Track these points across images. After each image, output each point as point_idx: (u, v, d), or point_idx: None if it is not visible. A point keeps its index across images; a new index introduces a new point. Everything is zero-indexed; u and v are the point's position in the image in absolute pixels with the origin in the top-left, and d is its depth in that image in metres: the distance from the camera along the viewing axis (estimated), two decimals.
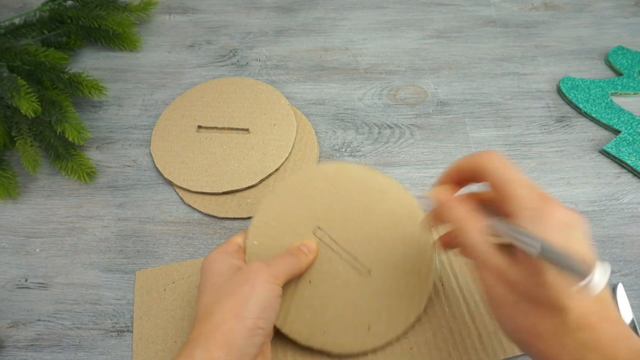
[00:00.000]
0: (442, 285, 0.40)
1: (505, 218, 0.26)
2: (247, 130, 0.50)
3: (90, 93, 0.51)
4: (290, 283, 0.36)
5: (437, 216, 0.32)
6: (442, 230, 0.36)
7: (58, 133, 0.47)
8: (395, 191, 0.40)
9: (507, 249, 0.26)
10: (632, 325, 0.38)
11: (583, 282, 0.19)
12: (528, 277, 0.24)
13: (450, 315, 0.38)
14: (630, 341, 0.23)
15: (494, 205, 0.29)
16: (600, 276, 0.18)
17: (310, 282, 0.37)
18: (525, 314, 0.24)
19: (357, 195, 0.39)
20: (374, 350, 0.36)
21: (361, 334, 0.36)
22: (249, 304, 0.31)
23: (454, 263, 0.40)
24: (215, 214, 0.45)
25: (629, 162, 0.46)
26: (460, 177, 0.30)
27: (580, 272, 0.19)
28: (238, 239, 0.38)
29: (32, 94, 0.45)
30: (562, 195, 0.46)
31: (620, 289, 0.39)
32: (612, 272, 0.41)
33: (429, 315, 0.38)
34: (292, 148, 0.49)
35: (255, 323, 0.30)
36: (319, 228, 0.38)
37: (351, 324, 0.36)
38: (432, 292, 0.39)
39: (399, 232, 0.38)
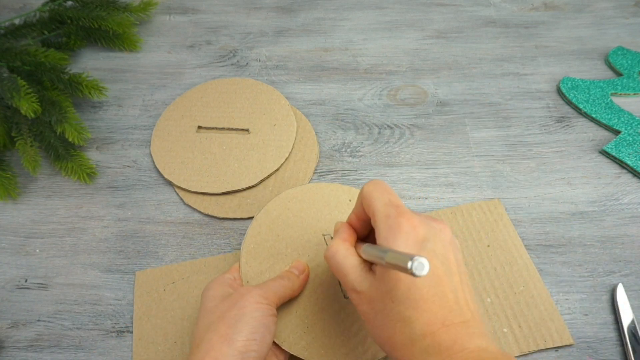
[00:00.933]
0: None
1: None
2: (247, 130, 0.50)
3: (90, 93, 0.51)
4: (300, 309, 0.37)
5: None
6: None
7: (58, 133, 0.47)
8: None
9: (372, 272, 0.29)
10: (632, 325, 0.38)
11: (409, 265, 0.22)
12: (383, 295, 0.27)
13: None
14: (468, 343, 0.25)
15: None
16: (418, 261, 0.22)
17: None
18: (383, 326, 0.27)
19: (327, 208, 0.42)
20: None
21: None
22: (237, 326, 0.30)
23: None
24: (216, 214, 0.45)
25: (629, 162, 0.46)
26: (358, 220, 0.32)
27: (404, 259, 0.22)
28: (235, 267, 0.39)
29: (32, 94, 0.45)
30: (562, 196, 0.46)
31: (620, 289, 0.39)
32: (612, 272, 0.41)
33: None
34: (292, 148, 0.49)
35: (247, 345, 0.29)
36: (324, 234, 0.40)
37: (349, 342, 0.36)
38: None
39: None
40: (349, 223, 0.32)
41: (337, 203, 0.42)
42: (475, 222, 0.44)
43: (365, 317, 0.28)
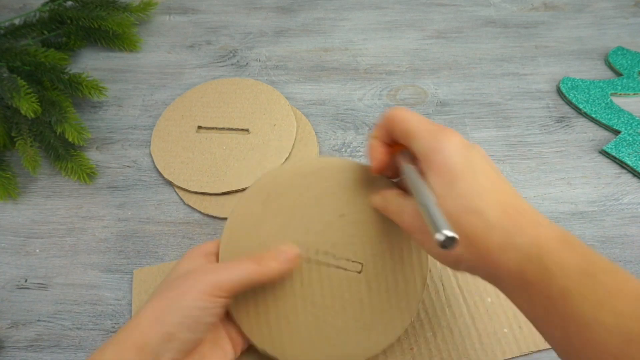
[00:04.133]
0: (442, 285, 0.40)
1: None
2: (247, 130, 0.50)
3: (90, 93, 0.51)
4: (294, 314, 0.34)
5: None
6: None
7: (58, 133, 0.47)
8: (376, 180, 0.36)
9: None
10: None
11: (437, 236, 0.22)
12: (439, 193, 0.27)
13: (450, 315, 0.38)
14: (544, 220, 0.26)
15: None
16: (447, 236, 0.22)
17: (310, 303, 0.34)
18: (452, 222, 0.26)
19: (337, 191, 0.35)
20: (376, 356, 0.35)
21: (362, 342, 0.34)
22: (170, 310, 0.29)
23: None
24: (216, 215, 0.45)
25: (629, 162, 0.46)
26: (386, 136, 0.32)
27: (436, 225, 0.23)
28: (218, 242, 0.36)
29: (32, 94, 0.45)
30: (562, 196, 0.46)
31: None
32: None
33: (430, 315, 0.38)
34: (292, 148, 0.49)
35: (172, 331, 0.28)
36: (304, 246, 0.35)
37: (351, 333, 0.34)
38: (428, 291, 0.39)
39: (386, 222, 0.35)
40: (375, 146, 0.32)
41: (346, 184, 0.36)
42: None
43: (424, 230, 0.28)
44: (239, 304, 0.34)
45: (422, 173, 0.29)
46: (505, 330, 0.38)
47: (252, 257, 0.31)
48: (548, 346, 0.37)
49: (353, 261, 0.35)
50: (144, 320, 0.29)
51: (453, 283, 0.40)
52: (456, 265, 0.27)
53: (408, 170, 0.30)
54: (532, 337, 0.37)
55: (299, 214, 0.35)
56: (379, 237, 0.35)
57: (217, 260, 0.34)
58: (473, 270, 0.27)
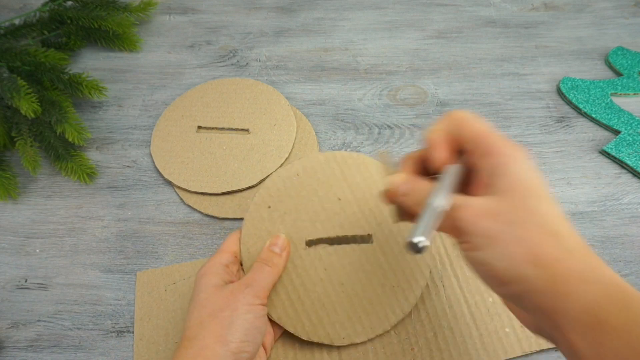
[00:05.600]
0: (442, 285, 0.40)
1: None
2: (247, 130, 0.50)
3: (90, 93, 0.51)
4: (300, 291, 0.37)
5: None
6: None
7: (58, 133, 0.47)
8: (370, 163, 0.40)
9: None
10: None
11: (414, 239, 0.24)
12: (516, 207, 0.24)
13: (451, 315, 0.38)
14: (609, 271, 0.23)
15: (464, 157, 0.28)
16: (420, 242, 0.24)
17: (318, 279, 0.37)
18: (524, 240, 0.23)
19: (326, 181, 0.39)
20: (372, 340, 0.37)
21: (393, 302, 0.37)
22: (231, 328, 0.31)
23: (455, 263, 0.40)
24: (215, 215, 0.45)
25: (629, 162, 0.46)
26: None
27: (412, 232, 0.25)
28: (230, 244, 0.38)
29: (32, 94, 0.45)
30: (562, 196, 0.46)
31: None
32: None
33: (430, 316, 0.38)
34: (292, 148, 0.49)
35: (240, 347, 0.31)
36: (308, 239, 0.38)
37: (382, 298, 0.37)
38: (429, 291, 0.39)
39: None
40: (438, 143, 0.28)
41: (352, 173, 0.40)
42: None
43: (489, 236, 0.24)
44: (276, 305, 0.36)
45: (470, 181, 0.27)
46: (507, 329, 0.38)
47: (261, 262, 0.35)
48: (550, 346, 0.37)
49: (362, 235, 0.38)
50: (208, 345, 0.30)
51: (454, 283, 0.40)
52: (509, 284, 0.24)
53: (453, 169, 0.27)
54: (534, 337, 0.37)
55: (302, 211, 0.39)
56: (378, 207, 0.39)
57: (238, 265, 0.38)
58: (528, 296, 0.23)
